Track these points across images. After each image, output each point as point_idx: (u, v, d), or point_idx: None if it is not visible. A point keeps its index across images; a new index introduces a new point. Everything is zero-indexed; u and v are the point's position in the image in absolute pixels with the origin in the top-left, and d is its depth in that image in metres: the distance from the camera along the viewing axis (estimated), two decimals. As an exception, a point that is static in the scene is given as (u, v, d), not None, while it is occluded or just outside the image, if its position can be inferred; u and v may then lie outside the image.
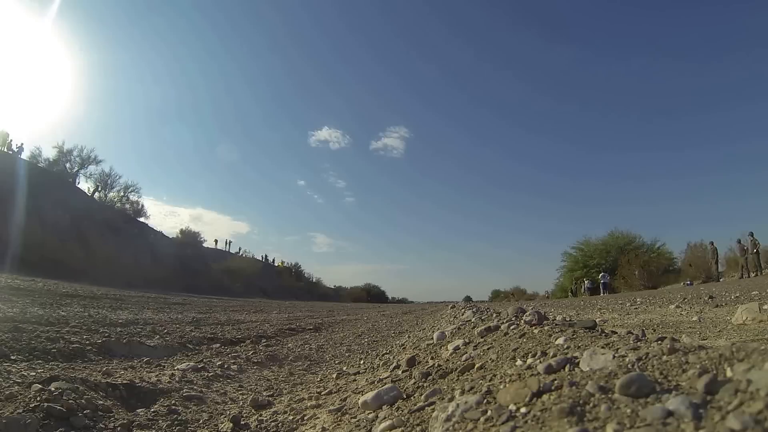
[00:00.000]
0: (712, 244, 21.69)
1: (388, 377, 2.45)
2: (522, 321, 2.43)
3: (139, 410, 2.19)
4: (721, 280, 19.59)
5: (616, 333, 1.85)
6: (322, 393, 2.67)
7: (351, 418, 1.83)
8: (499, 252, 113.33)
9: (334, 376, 3.27)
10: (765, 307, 4.02)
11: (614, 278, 28.11)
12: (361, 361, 4.06)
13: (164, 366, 3.35)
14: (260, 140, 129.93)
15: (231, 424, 2.05)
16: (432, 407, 1.42)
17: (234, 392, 2.88)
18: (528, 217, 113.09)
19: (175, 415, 2.20)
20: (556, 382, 1.08)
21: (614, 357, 1.21)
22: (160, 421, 2.08)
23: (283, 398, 2.70)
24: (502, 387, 1.26)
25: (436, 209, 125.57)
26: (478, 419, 1.06)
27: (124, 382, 2.57)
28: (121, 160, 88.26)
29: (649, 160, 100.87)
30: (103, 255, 24.51)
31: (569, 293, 32.02)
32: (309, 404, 2.38)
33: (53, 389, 2.06)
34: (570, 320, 2.57)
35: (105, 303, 8.67)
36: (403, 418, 1.45)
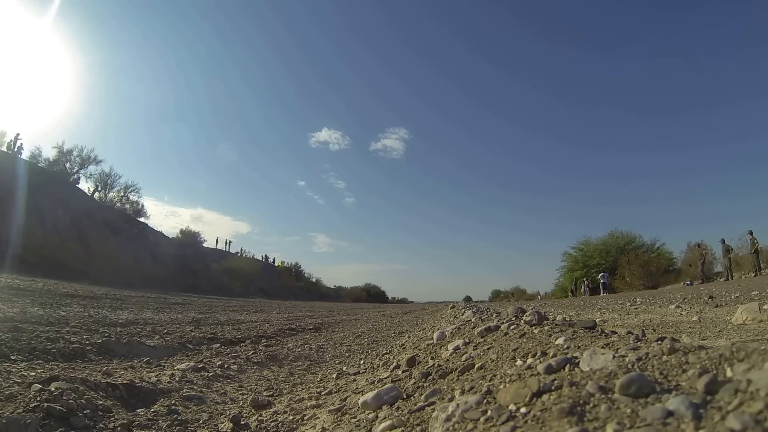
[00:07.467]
0: (700, 246, 21.67)
1: (388, 377, 2.44)
2: (522, 321, 2.43)
3: (139, 410, 2.19)
4: (721, 279, 19.61)
5: (616, 333, 1.85)
6: (322, 393, 2.67)
7: (351, 418, 1.83)
8: (499, 252, 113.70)
9: (334, 376, 3.27)
10: (765, 307, 4.02)
11: (614, 278, 28.12)
12: (361, 361, 4.06)
13: (164, 366, 3.35)
14: (260, 140, 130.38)
15: (231, 424, 2.05)
16: (432, 407, 1.42)
17: (234, 392, 2.88)
18: (528, 217, 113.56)
19: (175, 415, 2.20)
20: (556, 382, 1.08)
21: (614, 357, 1.21)
22: (160, 421, 2.08)
23: (283, 398, 2.70)
24: (502, 387, 1.26)
25: (436, 209, 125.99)
26: (478, 419, 1.06)
27: (124, 382, 2.56)
28: (121, 160, 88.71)
29: (649, 160, 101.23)
30: (103, 255, 24.51)
31: (569, 293, 32.03)
32: (309, 404, 2.38)
33: (53, 389, 2.06)
34: (570, 320, 2.56)
35: (105, 303, 8.67)
36: (403, 418, 1.45)
